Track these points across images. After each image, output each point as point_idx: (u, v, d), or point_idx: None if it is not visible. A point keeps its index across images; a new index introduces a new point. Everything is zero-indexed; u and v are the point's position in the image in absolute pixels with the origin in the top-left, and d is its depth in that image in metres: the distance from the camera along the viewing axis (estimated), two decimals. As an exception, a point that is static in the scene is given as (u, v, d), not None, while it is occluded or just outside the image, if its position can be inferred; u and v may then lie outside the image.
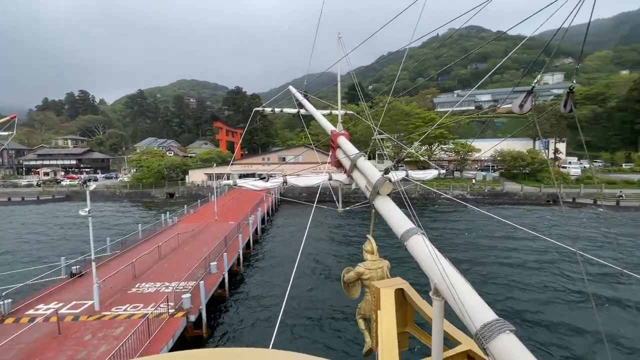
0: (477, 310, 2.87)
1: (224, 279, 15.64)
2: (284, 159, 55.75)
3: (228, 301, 15.13)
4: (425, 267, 3.51)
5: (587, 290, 15.01)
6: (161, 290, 13.61)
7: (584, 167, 52.14)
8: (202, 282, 12.78)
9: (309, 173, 7.90)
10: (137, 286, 14.20)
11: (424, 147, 50.04)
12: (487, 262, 19.42)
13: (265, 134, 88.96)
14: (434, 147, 49.78)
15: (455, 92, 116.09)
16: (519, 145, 55.11)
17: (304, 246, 22.38)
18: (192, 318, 11.72)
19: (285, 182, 6.29)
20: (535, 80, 2.58)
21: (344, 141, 6.57)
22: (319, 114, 8.49)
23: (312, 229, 27.64)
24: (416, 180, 7.36)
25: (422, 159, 50.47)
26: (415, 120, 49.63)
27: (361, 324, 5.63)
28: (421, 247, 3.63)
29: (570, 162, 54.39)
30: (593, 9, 2.01)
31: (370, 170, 5.22)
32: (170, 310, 11.58)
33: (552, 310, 13.60)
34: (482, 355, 3.64)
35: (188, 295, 12.22)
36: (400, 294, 4.85)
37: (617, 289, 15.12)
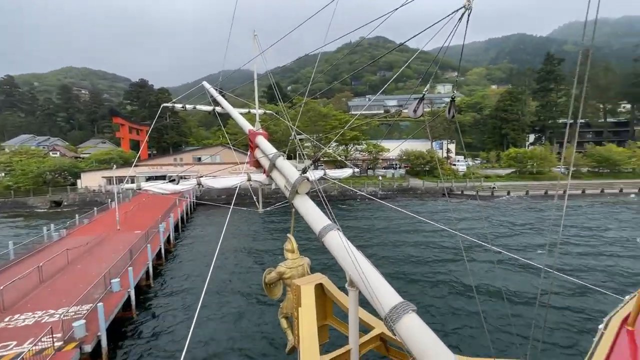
0: (386, 296, 3.18)
1: (129, 297, 13.76)
2: (199, 159, 52.10)
3: (136, 323, 13.37)
4: (341, 261, 3.73)
5: (466, 265, 18.10)
6: (43, 321, 11.22)
7: (469, 164, 62.37)
8: (100, 304, 10.99)
9: (226, 174, 7.57)
10: (6, 320, 11.45)
11: (340, 148, 52.81)
12: (395, 250, 21.58)
13: (176, 132, 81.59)
14: (350, 148, 53.03)
15: (367, 96, 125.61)
16: (420, 146, 62.72)
17: (223, 251, 21.30)
18: (88, 348, 9.92)
19: (199, 184, 5.89)
20: (425, 89, 2.97)
21: (262, 141, 6.49)
22: (235, 112, 8.20)
23: (231, 233, 26.43)
24: (333, 179, 7.75)
25: (339, 158, 53.36)
26: (332, 121, 52.00)
27: (283, 323, 5.66)
28: (336, 242, 3.84)
29: (458, 160, 64.36)
30: (466, 32, 2.40)
31: (289, 170, 5.27)
32: (56, 344, 9.67)
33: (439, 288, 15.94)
34: (392, 336, 4.07)
35: (81, 322, 10.35)
36: (319, 289, 5.03)
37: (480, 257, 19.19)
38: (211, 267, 5.37)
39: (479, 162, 67.06)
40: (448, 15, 2.48)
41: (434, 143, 66.82)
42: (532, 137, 74.68)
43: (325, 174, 7.36)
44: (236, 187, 5.96)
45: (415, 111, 2.86)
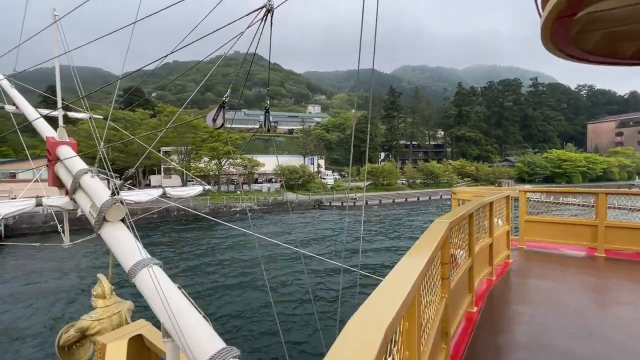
0: (205, 344, 2.59)
1: None
2: (13, 175, 39.09)
3: None
4: (154, 307, 2.94)
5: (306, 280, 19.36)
6: None
7: (336, 178, 69.13)
8: None
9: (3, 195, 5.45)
10: None
11: (213, 162, 49.69)
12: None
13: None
14: (224, 162, 50.51)
15: (243, 110, 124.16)
16: (294, 161, 65.61)
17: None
18: None
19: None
20: (225, 96, 2.63)
21: (66, 152, 4.95)
22: (33, 112, 6.14)
23: (15, 285, 17.92)
24: (177, 198, 6.68)
25: (211, 173, 50.04)
26: (202, 133, 48.58)
27: None
28: (148, 284, 3.03)
29: (327, 174, 70.53)
30: (271, 32, 2.12)
31: (96, 191, 4.06)
32: None
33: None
34: None
35: None
36: (137, 343, 3.96)
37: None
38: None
39: (345, 175, 75.35)
40: (251, 12, 2.18)
41: (306, 158, 71.24)
42: (382, 155, 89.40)
43: (164, 193, 6.26)
44: (14, 215, 4.25)
45: (214, 120, 2.46)
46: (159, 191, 5.92)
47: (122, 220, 3.85)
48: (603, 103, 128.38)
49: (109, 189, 4.03)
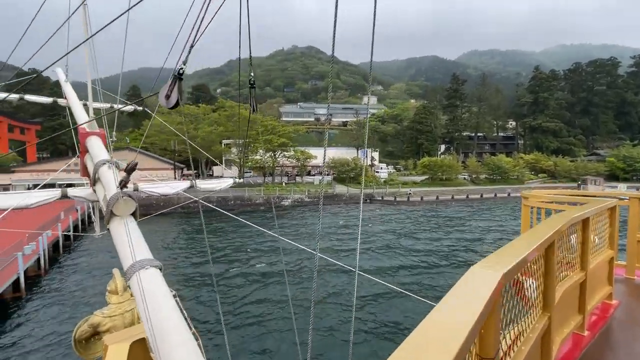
0: None
1: None
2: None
3: None
4: (141, 317, 2.61)
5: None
6: None
7: (391, 171, 66.60)
8: None
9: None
10: None
11: (268, 154, 51.33)
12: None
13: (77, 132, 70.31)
14: (278, 154, 51.88)
15: (298, 103, 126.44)
16: (346, 153, 64.78)
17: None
18: None
19: None
20: (180, 67, 2.04)
21: (94, 143, 4.98)
22: (77, 104, 6.43)
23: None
24: (205, 190, 6.52)
25: (266, 165, 51.85)
26: (258, 127, 50.30)
27: None
28: (137, 289, 2.71)
29: (381, 168, 68.30)
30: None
31: (109, 183, 3.91)
32: None
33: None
34: None
35: None
36: (141, 346, 3.73)
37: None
38: None
39: (400, 169, 72.31)
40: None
41: (359, 151, 69.81)
42: (443, 147, 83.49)
43: (194, 185, 6.12)
44: (38, 204, 4.33)
45: (167, 97, 1.91)
46: (187, 184, 5.79)
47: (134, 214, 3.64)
48: None
49: (176, 178, 3.79)
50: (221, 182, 6.70)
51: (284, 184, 50.33)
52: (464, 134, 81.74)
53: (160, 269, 2.95)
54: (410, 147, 77.85)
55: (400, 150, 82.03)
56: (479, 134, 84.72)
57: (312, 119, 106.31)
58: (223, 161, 65.51)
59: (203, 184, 6.24)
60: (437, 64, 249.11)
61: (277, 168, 57.16)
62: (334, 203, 43.37)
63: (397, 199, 45.14)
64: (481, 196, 48.81)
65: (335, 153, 64.54)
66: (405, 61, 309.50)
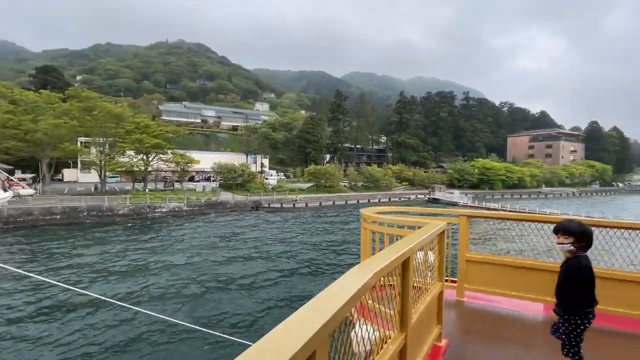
0: None
1: None
2: None
3: None
4: None
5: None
6: None
7: (280, 178, 67.56)
8: None
9: None
10: None
11: (139, 157, 44.73)
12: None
13: None
14: (152, 157, 45.75)
15: (183, 102, 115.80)
16: (235, 159, 62.58)
17: None
18: None
19: None
20: None
21: None
22: None
23: None
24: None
25: (136, 169, 44.96)
26: (127, 124, 43.54)
27: None
28: None
29: (271, 175, 68.57)
30: None
31: None
32: None
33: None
34: None
35: None
36: None
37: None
38: None
39: (289, 176, 74.22)
40: None
41: (249, 157, 68.48)
42: (328, 157, 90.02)
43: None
44: None
45: None
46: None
47: None
48: (520, 119, 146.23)
49: None
50: None
51: (159, 191, 44.68)
52: (346, 145, 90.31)
53: None
54: (299, 155, 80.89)
55: (290, 158, 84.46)
56: (357, 146, 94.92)
57: (199, 120, 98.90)
58: (79, 163, 53.85)
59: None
60: (325, 79, 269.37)
61: (152, 173, 50.42)
62: (217, 211, 40.96)
63: (284, 205, 45.96)
64: (357, 202, 54.45)
65: (223, 158, 61.57)
66: (297, 73, 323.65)
